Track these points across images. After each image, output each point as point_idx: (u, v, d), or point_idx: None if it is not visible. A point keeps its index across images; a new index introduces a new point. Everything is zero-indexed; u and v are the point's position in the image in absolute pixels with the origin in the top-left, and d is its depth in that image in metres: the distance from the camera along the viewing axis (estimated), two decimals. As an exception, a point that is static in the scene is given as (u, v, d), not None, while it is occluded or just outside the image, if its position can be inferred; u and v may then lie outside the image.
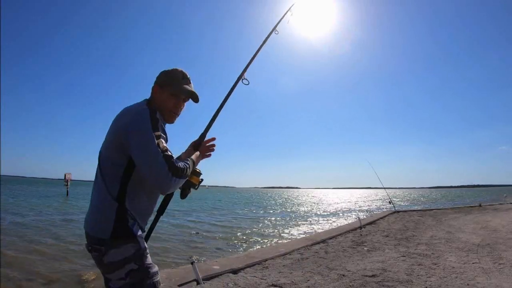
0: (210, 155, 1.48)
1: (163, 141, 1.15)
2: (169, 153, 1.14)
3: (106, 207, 1.16)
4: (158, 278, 1.22)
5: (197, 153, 1.40)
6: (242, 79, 1.69)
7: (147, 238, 1.33)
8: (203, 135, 1.49)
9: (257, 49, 1.82)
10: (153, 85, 1.35)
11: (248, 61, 1.76)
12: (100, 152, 1.25)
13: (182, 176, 1.16)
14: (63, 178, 28.29)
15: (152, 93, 1.34)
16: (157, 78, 1.36)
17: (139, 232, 1.20)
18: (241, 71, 1.73)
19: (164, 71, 1.36)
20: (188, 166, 1.21)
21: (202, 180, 1.38)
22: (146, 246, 1.22)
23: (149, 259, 1.21)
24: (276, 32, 1.96)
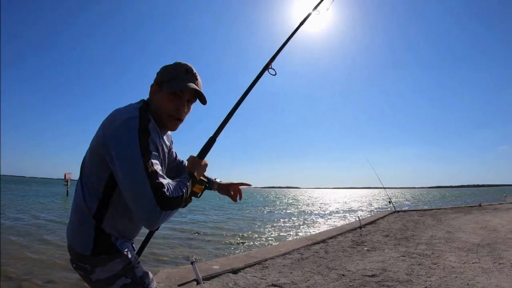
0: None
1: (153, 162, 0.91)
2: (159, 181, 0.88)
3: (83, 222, 1.02)
4: (154, 286, 1.12)
5: (204, 162, 1.16)
6: (269, 69, 1.44)
7: (138, 254, 1.20)
8: (213, 138, 1.22)
9: (289, 35, 1.56)
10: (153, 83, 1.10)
11: (278, 47, 1.50)
12: (84, 159, 1.07)
13: (176, 207, 0.92)
14: (63, 177, 28.31)
15: (149, 92, 1.10)
16: (157, 74, 1.11)
17: (126, 246, 1.06)
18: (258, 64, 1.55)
19: (165, 65, 1.12)
20: (185, 191, 0.96)
21: (206, 186, 1.21)
22: (136, 256, 1.10)
23: (141, 268, 1.09)
24: (317, 13, 1.71)
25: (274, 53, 1.49)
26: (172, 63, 1.12)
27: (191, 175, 1.05)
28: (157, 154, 0.96)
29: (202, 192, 1.19)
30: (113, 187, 0.99)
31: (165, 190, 0.88)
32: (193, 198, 1.17)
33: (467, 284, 3.02)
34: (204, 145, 1.19)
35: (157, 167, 0.91)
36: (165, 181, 0.91)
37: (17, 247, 6.60)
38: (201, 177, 1.15)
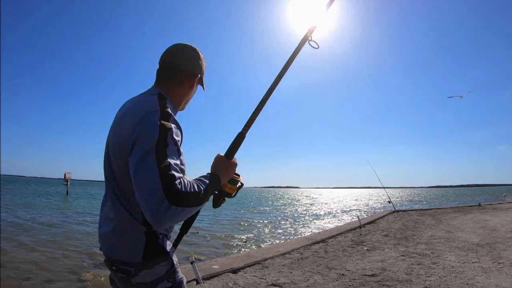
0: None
1: (169, 154, 0.84)
2: (172, 172, 0.80)
3: (132, 231, 0.95)
4: None
5: (232, 162, 1.05)
6: (309, 41, 1.14)
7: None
8: (242, 134, 1.09)
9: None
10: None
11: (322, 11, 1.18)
12: (110, 166, 0.99)
13: (189, 204, 0.80)
14: (63, 177, 28.31)
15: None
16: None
17: (171, 248, 1.02)
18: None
19: (199, 54, 1.10)
20: (202, 189, 0.86)
21: (241, 185, 1.10)
22: (176, 260, 1.06)
23: (180, 272, 1.05)
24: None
25: (316, 19, 1.16)
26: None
27: (213, 176, 0.96)
28: (175, 148, 0.88)
29: (236, 192, 1.10)
30: None
31: (177, 182, 0.79)
32: (227, 199, 1.09)
33: (467, 284, 3.02)
34: (232, 143, 1.07)
35: (173, 161, 0.84)
36: (179, 174, 0.83)
37: (17, 247, 6.59)
38: (234, 176, 1.06)
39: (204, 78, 1.15)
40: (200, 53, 1.11)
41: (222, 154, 1.06)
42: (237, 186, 1.08)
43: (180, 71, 1.06)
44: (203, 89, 1.18)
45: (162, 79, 1.07)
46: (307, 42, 1.14)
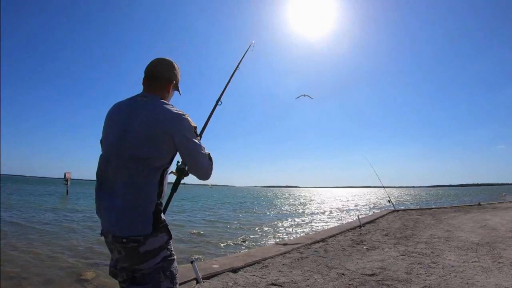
0: None
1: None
2: (204, 146, 1.34)
3: (146, 206, 1.18)
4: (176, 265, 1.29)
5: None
6: (219, 103, 1.91)
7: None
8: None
9: (228, 79, 2.03)
10: (167, 80, 1.39)
11: (223, 87, 1.96)
12: (133, 151, 1.20)
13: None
14: (63, 177, 28.25)
15: (168, 90, 1.40)
16: (174, 73, 1.41)
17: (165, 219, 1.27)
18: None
19: (174, 64, 1.43)
20: None
21: None
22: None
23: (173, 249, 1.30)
24: (239, 69, 2.14)
25: (222, 90, 1.93)
26: (174, 62, 1.43)
27: None
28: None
29: None
30: (170, 161, 1.28)
31: (211, 155, 1.34)
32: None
33: (467, 283, 3.02)
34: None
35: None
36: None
37: (16, 247, 6.59)
38: None
39: (179, 85, 1.48)
40: (175, 65, 1.43)
41: None
42: None
43: (163, 79, 1.37)
44: (179, 94, 1.50)
45: (150, 87, 1.36)
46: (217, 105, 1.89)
